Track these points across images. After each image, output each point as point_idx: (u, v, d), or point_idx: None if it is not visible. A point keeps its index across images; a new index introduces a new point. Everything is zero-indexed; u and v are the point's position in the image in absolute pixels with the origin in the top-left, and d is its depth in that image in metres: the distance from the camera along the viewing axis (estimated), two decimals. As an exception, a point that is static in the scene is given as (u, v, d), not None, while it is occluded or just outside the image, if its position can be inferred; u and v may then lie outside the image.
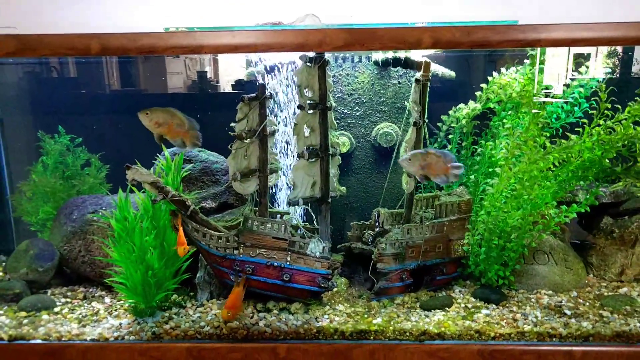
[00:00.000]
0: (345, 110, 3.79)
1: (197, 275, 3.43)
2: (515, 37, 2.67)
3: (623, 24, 2.59)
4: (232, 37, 2.73)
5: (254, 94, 3.07)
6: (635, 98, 3.02)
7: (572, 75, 3.22)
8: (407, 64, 3.37)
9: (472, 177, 3.61)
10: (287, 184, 3.74)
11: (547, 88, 3.15)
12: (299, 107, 3.12)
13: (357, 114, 3.76)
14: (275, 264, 3.18)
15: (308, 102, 3.11)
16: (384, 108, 3.76)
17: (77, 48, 2.77)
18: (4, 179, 4.25)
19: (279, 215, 3.41)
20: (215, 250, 3.22)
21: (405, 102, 3.55)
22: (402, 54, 3.38)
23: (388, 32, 2.68)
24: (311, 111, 3.14)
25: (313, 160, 3.21)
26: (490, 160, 3.47)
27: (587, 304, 3.31)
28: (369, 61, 3.69)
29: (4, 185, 4.26)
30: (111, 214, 3.30)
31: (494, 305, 3.30)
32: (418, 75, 3.16)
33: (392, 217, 3.51)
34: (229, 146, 3.08)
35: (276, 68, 3.51)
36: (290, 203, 3.22)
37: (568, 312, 3.18)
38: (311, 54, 3.06)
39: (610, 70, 3.27)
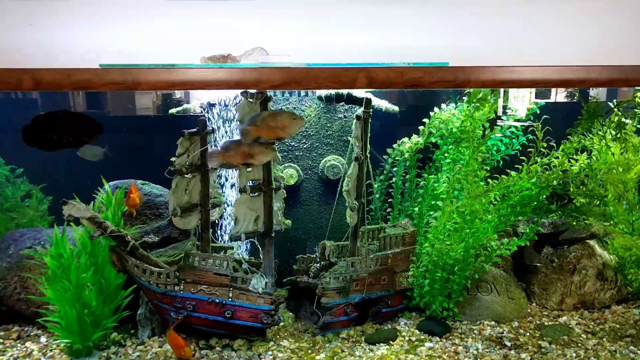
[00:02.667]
0: (293, 143, 3.84)
1: (138, 312, 3.37)
2: (446, 79, 2.78)
3: (544, 68, 2.74)
4: (169, 74, 2.75)
5: (195, 129, 3.09)
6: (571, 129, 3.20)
7: (508, 110, 3.38)
8: (349, 99, 3.46)
9: (416, 209, 3.70)
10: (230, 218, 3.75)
11: (485, 123, 3.29)
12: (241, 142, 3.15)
13: (305, 146, 3.82)
14: (217, 300, 3.16)
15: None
16: (331, 141, 3.83)
17: (9, 82, 2.74)
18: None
19: (222, 251, 3.41)
20: (155, 287, 3.18)
21: (348, 137, 3.63)
22: (344, 90, 3.47)
23: (323, 72, 2.75)
24: (253, 146, 3.17)
25: (256, 194, 3.23)
26: (434, 193, 3.57)
27: (528, 334, 3.40)
28: (314, 95, 3.77)
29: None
30: (47, 250, 3.23)
31: (437, 337, 3.35)
32: (359, 111, 3.25)
33: (338, 250, 3.54)
34: (171, 178, 3.09)
35: (217, 103, 3.54)
36: (233, 238, 3.22)
37: (508, 344, 3.26)
38: (252, 90, 3.11)
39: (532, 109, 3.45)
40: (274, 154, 3.04)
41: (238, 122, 3.14)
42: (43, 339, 3.43)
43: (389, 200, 3.88)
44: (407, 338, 3.36)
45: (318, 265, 3.51)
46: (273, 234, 3.31)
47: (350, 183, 3.28)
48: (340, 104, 3.74)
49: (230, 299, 3.16)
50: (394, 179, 3.77)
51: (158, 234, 3.51)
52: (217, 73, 2.75)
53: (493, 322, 3.54)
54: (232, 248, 3.43)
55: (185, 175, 3.11)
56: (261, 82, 2.76)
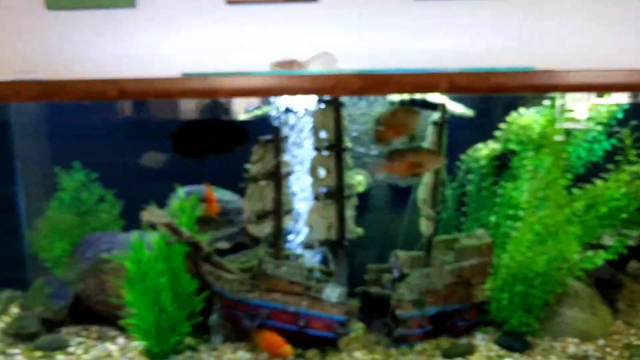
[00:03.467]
0: (362, 150, 3.79)
1: (211, 318, 3.41)
2: (533, 83, 2.67)
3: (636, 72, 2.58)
4: (248, 81, 2.77)
5: (269, 136, 3.10)
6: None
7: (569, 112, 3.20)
8: (424, 104, 3.37)
9: (492, 219, 3.57)
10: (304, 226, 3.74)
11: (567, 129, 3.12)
12: (315, 149, 3.14)
13: (374, 152, 3.76)
14: (291, 309, 3.15)
15: (323, 143, 3.13)
16: (402, 147, 3.75)
17: (95, 93, 2.84)
18: (21, 215, 4.33)
19: (293, 259, 3.40)
20: (229, 294, 3.21)
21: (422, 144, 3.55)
22: (418, 95, 3.39)
23: (404, 78, 2.69)
24: (326, 153, 3.15)
25: (328, 202, 3.21)
26: (512, 202, 3.43)
27: (616, 353, 3.20)
28: (385, 100, 3.71)
29: (20, 220, 4.34)
30: (125, 254, 3.33)
31: (517, 353, 3.21)
32: (435, 117, 3.16)
33: (410, 261, 3.46)
34: (244, 186, 3.11)
35: (291, 110, 3.55)
36: (306, 246, 3.20)
37: (596, 363, 3.09)
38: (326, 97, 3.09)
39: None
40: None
41: (313, 129, 3.12)
42: (121, 341, 3.54)
43: (462, 209, 3.76)
44: (485, 353, 3.24)
45: (390, 275, 3.44)
46: (346, 243, 3.27)
47: (426, 191, 3.20)
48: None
49: (304, 308, 3.15)
50: (467, 187, 3.65)
51: (229, 240, 3.56)
52: (294, 80, 2.74)
53: (576, 340, 3.35)
54: (302, 256, 3.42)
55: (260, 183, 3.12)
56: (338, 88, 2.74)
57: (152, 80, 2.79)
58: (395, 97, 3.57)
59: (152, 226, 3.20)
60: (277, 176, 3.13)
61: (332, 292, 3.16)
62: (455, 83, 2.68)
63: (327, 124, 3.11)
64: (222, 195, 3.68)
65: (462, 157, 3.64)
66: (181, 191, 3.44)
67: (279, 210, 3.19)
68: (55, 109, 4.24)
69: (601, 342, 3.33)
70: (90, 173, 4.22)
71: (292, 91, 2.66)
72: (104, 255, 3.74)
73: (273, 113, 3.61)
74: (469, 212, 3.71)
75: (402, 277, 3.41)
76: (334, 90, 2.69)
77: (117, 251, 3.75)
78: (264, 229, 3.19)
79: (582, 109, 3.32)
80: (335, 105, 3.08)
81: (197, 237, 3.20)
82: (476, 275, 3.40)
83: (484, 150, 3.50)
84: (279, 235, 3.23)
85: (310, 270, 3.29)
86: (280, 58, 3.76)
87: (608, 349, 3.25)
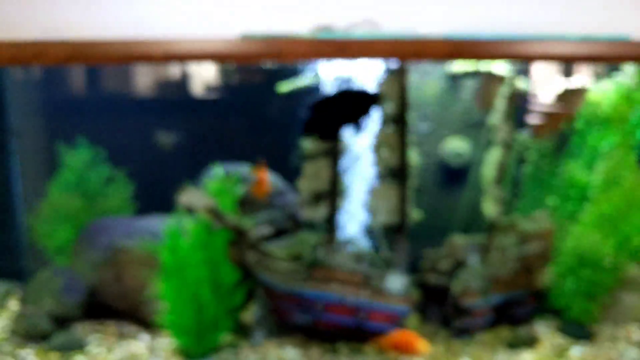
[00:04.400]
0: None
1: (254, 312, 3.09)
2: (628, 53, 2.46)
3: None
4: (317, 45, 2.43)
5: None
6: None
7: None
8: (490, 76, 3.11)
9: (551, 200, 3.38)
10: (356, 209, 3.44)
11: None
12: (382, 123, 2.83)
13: (423, 129, 3.49)
14: (350, 300, 2.87)
15: (388, 117, 2.82)
16: (453, 124, 3.50)
17: (135, 55, 2.42)
18: (16, 197, 3.81)
19: (347, 245, 3.11)
20: (278, 285, 2.89)
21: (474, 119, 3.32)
22: (482, 67, 3.12)
23: (495, 45, 2.43)
24: (390, 128, 2.85)
25: (391, 183, 2.92)
26: (574, 182, 3.24)
27: (682, 339, 3.11)
28: (436, 73, 3.43)
29: (15, 203, 3.83)
30: (150, 241, 2.95)
31: (583, 342, 3.06)
32: (505, 89, 2.91)
33: (468, 246, 3.24)
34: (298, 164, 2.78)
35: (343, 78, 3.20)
36: (369, 232, 2.91)
37: (664, 350, 2.98)
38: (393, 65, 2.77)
39: None
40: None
41: (380, 100, 2.80)
42: (146, 338, 3.17)
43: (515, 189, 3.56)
44: (549, 342, 3.08)
45: (447, 262, 3.21)
46: (408, 227, 3.00)
47: (494, 170, 2.96)
48: (468, 81, 3.40)
49: (364, 299, 2.87)
50: (523, 166, 3.45)
51: (271, 225, 3.21)
52: (374, 44, 2.41)
53: (638, 325, 3.24)
54: (355, 242, 3.12)
55: (317, 160, 2.79)
56: (423, 53, 2.44)
57: (205, 42, 2.40)
58: (456, 68, 3.29)
59: (190, 210, 2.82)
60: (335, 153, 2.81)
61: (395, 282, 2.89)
62: (549, 52, 2.44)
63: (392, 94, 2.80)
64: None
65: (519, 134, 3.41)
66: (219, 170, 3.06)
67: (336, 191, 2.88)
68: (56, 76, 3.72)
69: (664, 327, 3.24)
70: (98, 150, 3.75)
71: (375, 54, 2.34)
72: (126, 243, 3.33)
73: (322, 82, 3.26)
74: (524, 193, 3.51)
75: (459, 263, 3.19)
76: (419, 55, 2.39)
77: (136, 238, 3.35)
78: (320, 212, 2.88)
79: None
80: (400, 74, 2.78)
81: (243, 222, 2.85)
82: (538, 260, 3.21)
83: (548, 127, 3.28)
84: (334, 220, 2.93)
85: (369, 257, 3.01)
86: (313, 25, 3.40)
87: (671, 335, 3.16)
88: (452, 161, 3.47)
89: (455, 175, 3.50)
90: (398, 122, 2.83)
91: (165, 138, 3.85)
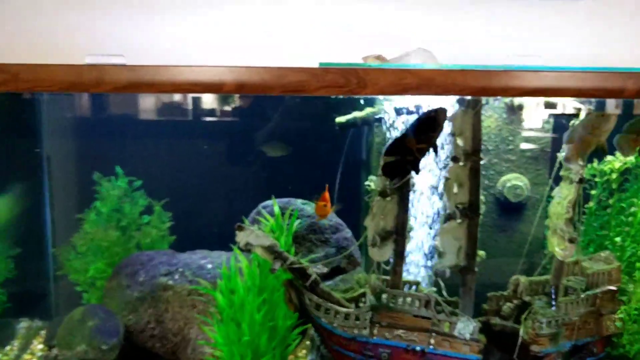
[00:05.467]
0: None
1: (309, 358, 2.89)
2: None
3: None
4: (404, 76, 2.31)
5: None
6: None
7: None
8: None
9: (617, 239, 3.24)
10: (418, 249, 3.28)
11: None
12: (453, 159, 2.69)
13: (480, 163, 3.36)
14: (417, 348, 2.68)
15: (460, 152, 2.69)
16: (512, 157, 3.37)
17: (206, 84, 2.28)
18: (45, 228, 3.62)
19: (410, 287, 2.94)
20: (341, 331, 2.70)
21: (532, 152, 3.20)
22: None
23: (586, 77, 2.32)
24: (462, 163, 2.72)
25: (461, 222, 2.77)
26: (645, 221, 3.11)
27: None
28: (496, 104, 3.32)
29: (46, 234, 3.63)
30: (211, 283, 2.77)
31: (660, 394, 2.89)
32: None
33: (530, 287, 3.08)
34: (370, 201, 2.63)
35: (405, 110, 3.08)
36: (437, 273, 2.75)
37: None
38: (468, 97, 2.66)
39: None
40: None
41: (452, 135, 2.68)
42: (189, 386, 2.95)
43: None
44: (623, 395, 2.90)
45: (512, 304, 3.04)
46: (476, 269, 2.84)
47: (570, 209, 2.82)
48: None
49: (432, 347, 2.69)
50: (589, 205, 3.31)
51: (327, 264, 3.04)
52: (465, 76, 2.29)
53: None
54: (418, 283, 2.96)
55: (387, 198, 2.64)
56: (511, 89, 2.33)
57: (283, 71, 2.27)
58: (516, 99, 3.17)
59: (248, 250, 2.65)
60: (404, 190, 2.67)
61: (465, 327, 2.71)
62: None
63: (465, 129, 2.67)
64: (313, 211, 3.16)
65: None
66: (276, 205, 2.90)
67: (403, 230, 2.72)
68: (94, 102, 3.58)
69: None
70: (133, 180, 3.59)
71: (462, 91, 2.22)
72: (163, 278, 3.14)
73: (381, 114, 3.13)
74: (586, 231, 3.37)
75: (523, 305, 3.03)
76: (506, 91, 2.27)
77: (178, 275, 3.17)
78: (387, 252, 2.71)
79: None
80: (475, 107, 2.66)
81: (303, 262, 2.68)
82: (607, 303, 3.05)
83: (616, 162, 3.16)
84: (400, 260, 2.76)
85: (436, 302, 2.83)
86: (365, 54, 3.29)
87: None
88: (510, 196, 3.33)
89: (513, 212, 3.36)
90: (470, 157, 2.70)
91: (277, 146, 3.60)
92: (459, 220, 2.76)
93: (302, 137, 3.49)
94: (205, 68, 2.30)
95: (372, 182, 2.67)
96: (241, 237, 2.61)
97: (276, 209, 2.87)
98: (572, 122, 2.87)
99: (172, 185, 3.69)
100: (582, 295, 2.97)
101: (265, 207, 3.09)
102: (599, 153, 2.80)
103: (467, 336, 2.71)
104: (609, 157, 3.19)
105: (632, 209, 3.15)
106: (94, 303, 3.39)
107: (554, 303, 2.90)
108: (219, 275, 2.82)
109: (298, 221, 3.04)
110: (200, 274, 3.09)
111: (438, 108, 2.44)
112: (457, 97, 2.65)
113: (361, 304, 2.89)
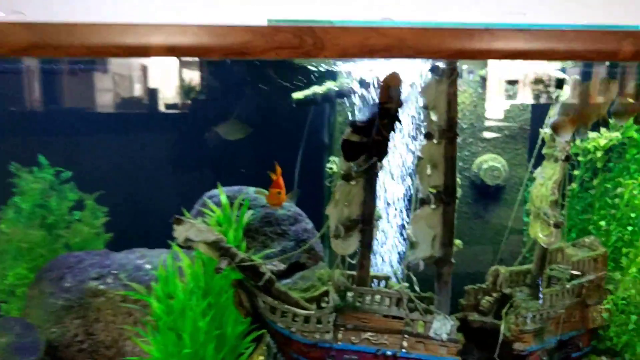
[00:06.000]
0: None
1: (264, 368, 2.53)
2: None
3: None
4: (377, 36, 1.95)
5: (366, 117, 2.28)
6: None
7: None
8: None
9: (602, 223, 3.00)
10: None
11: None
12: (426, 135, 2.36)
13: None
14: (388, 352, 2.36)
15: (434, 128, 2.37)
16: (488, 135, 3.09)
17: (129, 46, 1.87)
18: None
19: (378, 282, 2.61)
20: (300, 336, 2.35)
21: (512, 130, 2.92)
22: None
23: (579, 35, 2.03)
24: (436, 141, 2.40)
25: (435, 207, 2.45)
26: (633, 203, 2.88)
27: None
28: (471, 77, 3.02)
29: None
30: (148, 286, 2.36)
31: (652, 390, 2.67)
32: (563, 93, 2.52)
33: (510, 278, 2.81)
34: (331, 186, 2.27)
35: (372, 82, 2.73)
36: (410, 267, 2.42)
37: None
38: (441, 64, 2.33)
39: None
40: None
41: (424, 109, 2.35)
42: (126, 407, 2.55)
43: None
44: (613, 392, 2.67)
45: (491, 298, 2.76)
46: (453, 260, 2.53)
47: (555, 190, 2.54)
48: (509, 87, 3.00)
49: (404, 350, 2.37)
50: (571, 187, 3.06)
51: (284, 260, 2.68)
52: (442, 36, 1.98)
53: None
54: (388, 278, 2.63)
55: (351, 182, 2.29)
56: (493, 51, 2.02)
57: (229, 29, 1.88)
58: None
59: (188, 247, 2.25)
60: (371, 172, 2.32)
61: (442, 327, 2.41)
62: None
63: (438, 101, 2.35)
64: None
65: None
66: (223, 194, 2.51)
67: (371, 219, 2.38)
68: (10, 79, 3.08)
69: None
70: (61, 171, 3.12)
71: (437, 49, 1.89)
72: (92, 282, 2.71)
73: (344, 89, 2.77)
74: (568, 215, 3.11)
75: (503, 299, 2.75)
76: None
77: (112, 279, 2.74)
78: (351, 245, 2.37)
79: None
80: (450, 76, 2.33)
81: (255, 259, 2.31)
82: (593, 293, 2.81)
83: (601, 139, 2.91)
84: (367, 253, 2.42)
85: (409, 299, 2.51)
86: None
87: None
88: (487, 178, 3.05)
89: (490, 196, 3.08)
90: (445, 134, 2.38)
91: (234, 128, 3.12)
92: (433, 206, 2.44)
93: (257, 116, 3.10)
94: (128, 27, 1.90)
95: (334, 165, 2.31)
96: (180, 232, 2.22)
97: (223, 199, 2.48)
98: (556, 94, 2.60)
99: (107, 176, 3.24)
100: (568, 286, 2.72)
101: (211, 197, 2.70)
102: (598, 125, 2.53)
103: (444, 337, 2.41)
104: (592, 134, 2.95)
105: (618, 190, 2.91)
106: (13, 315, 2.92)
107: (541, 295, 2.63)
108: (156, 277, 2.42)
109: (250, 212, 2.66)
110: (136, 276, 2.68)
111: (389, 74, 2.13)
112: (431, 62, 2.32)
113: (323, 305, 2.56)
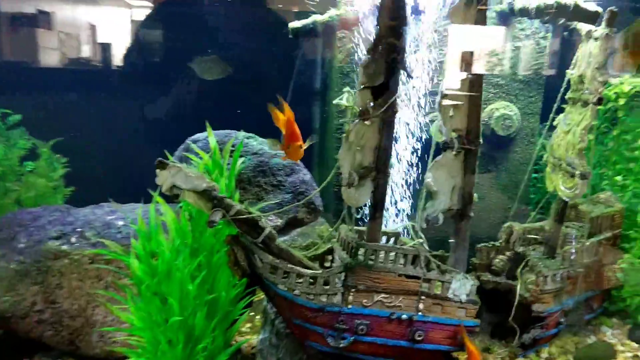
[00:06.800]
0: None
1: (260, 337, 2.25)
2: None
3: None
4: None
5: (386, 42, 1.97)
6: None
7: None
8: (577, 13, 2.45)
9: (618, 178, 2.85)
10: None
11: None
12: (449, 72, 2.08)
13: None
14: (403, 315, 2.13)
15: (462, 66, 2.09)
16: (500, 81, 2.84)
17: None
18: None
19: (389, 239, 2.36)
20: (304, 300, 2.07)
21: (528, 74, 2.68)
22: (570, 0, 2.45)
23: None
24: (460, 82, 2.12)
25: (456, 153, 2.19)
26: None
27: None
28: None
29: None
30: (123, 245, 2.00)
31: (665, 350, 2.59)
32: (599, 31, 2.28)
33: (524, 236, 2.62)
34: (344, 126, 1.96)
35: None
36: (429, 220, 2.16)
37: None
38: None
39: None
40: None
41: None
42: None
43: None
44: (629, 354, 2.56)
45: (504, 257, 2.57)
46: (472, 213, 2.29)
47: (585, 137, 2.33)
48: (523, 24, 2.75)
49: (420, 313, 2.14)
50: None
51: (281, 214, 2.37)
52: None
53: None
54: (399, 235, 2.38)
55: (366, 122, 1.99)
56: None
57: None
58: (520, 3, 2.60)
59: (174, 196, 1.91)
60: (390, 111, 2.03)
61: (462, 287, 2.20)
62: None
63: (466, 35, 2.06)
64: (262, 146, 2.45)
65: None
66: (212, 136, 2.15)
67: (386, 166, 2.10)
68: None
69: None
70: (8, 113, 2.67)
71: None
72: (52, 242, 2.33)
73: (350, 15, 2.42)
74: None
75: (517, 258, 2.57)
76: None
77: (79, 236, 2.37)
78: (364, 194, 2.08)
79: None
80: (482, 2, 2.05)
81: (253, 211, 1.99)
82: (609, 252, 2.68)
83: (624, 86, 2.71)
84: (382, 205, 2.15)
85: (426, 257, 2.26)
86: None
87: None
88: (498, 129, 2.82)
89: (500, 147, 2.87)
90: (470, 68, 2.10)
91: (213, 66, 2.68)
92: (454, 152, 2.19)
93: (242, 51, 2.72)
94: None
95: (347, 99, 2.00)
96: (164, 178, 1.88)
97: (212, 142, 2.13)
98: (585, 33, 2.35)
99: (66, 120, 2.81)
100: (587, 243, 2.56)
101: (195, 141, 2.34)
102: None
103: (464, 297, 2.20)
104: (615, 80, 2.75)
105: (639, 142, 2.75)
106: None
107: (558, 254, 2.45)
108: (134, 233, 2.06)
109: (241, 160, 2.32)
110: (107, 234, 2.32)
111: None
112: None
113: (327, 264, 2.29)
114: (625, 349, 2.61)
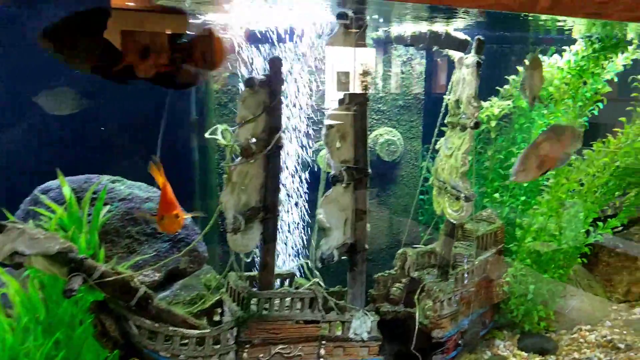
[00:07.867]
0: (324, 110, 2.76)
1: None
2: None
3: None
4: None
5: (264, 76, 1.83)
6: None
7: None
8: (448, 41, 2.52)
9: (496, 195, 2.99)
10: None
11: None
12: (339, 101, 1.99)
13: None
14: (305, 364, 1.98)
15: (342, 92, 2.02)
16: (383, 107, 2.86)
17: None
18: None
19: (282, 281, 2.20)
20: (191, 365, 1.83)
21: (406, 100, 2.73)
22: (441, 29, 2.52)
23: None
24: (345, 107, 2.05)
25: (346, 185, 2.11)
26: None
27: (632, 332, 3.02)
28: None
29: None
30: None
31: (552, 355, 2.74)
32: (471, 58, 2.37)
33: (417, 261, 2.64)
34: (225, 167, 1.75)
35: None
36: (324, 259, 2.03)
37: (621, 345, 2.83)
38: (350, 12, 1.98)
39: None
40: None
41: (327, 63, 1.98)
42: None
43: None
44: (524, 366, 2.67)
45: (401, 284, 2.55)
46: (367, 246, 2.22)
47: (467, 160, 2.39)
48: (400, 52, 2.79)
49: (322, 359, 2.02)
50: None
51: (159, 266, 2.09)
52: None
53: (588, 326, 3.07)
54: (294, 276, 2.23)
55: (249, 160, 1.83)
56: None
57: None
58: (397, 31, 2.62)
59: (17, 264, 1.57)
60: (275, 146, 1.88)
61: (362, 325, 2.11)
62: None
63: (346, 60, 2.00)
64: (132, 190, 2.16)
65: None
66: (66, 186, 1.83)
67: (275, 205, 1.94)
68: None
69: (608, 323, 3.11)
70: None
71: None
72: None
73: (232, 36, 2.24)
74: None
75: (412, 284, 2.57)
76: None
77: None
78: (253, 239, 1.91)
79: None
80: (361, 28, 2.00)
81: (122, 271, 1.71)
82: (495, 267, 2.79)
83: (493, 108, 2.86)
84: (272, 248, 1.98)
85: (322, 298, 2.12)
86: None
87: (616, 330, 3.05)
88: (383, 154, 2.84)
89: (385, 173, 2.88)
90: (355, 97, 2.05)
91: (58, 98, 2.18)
92: (344, 185, 2.11)
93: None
94: None
95: (224, 136, 1.81)
96: (1, 244, 1.53)
97: (66, 192, 1.81)
98: (457, 59, 2.45)
99: None
100: (476, 262, 2.63)
101: (46, 191, 1.99)
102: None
103: (365, 336, 2.12)
104: (485, 104, 2.90)
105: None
106: None
107: (451, 276, 2.48)
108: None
109: (106, 208, 2.02)
110: None
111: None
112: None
113: (217, 319, 2.07)
114: (518, 360, 2.73)
